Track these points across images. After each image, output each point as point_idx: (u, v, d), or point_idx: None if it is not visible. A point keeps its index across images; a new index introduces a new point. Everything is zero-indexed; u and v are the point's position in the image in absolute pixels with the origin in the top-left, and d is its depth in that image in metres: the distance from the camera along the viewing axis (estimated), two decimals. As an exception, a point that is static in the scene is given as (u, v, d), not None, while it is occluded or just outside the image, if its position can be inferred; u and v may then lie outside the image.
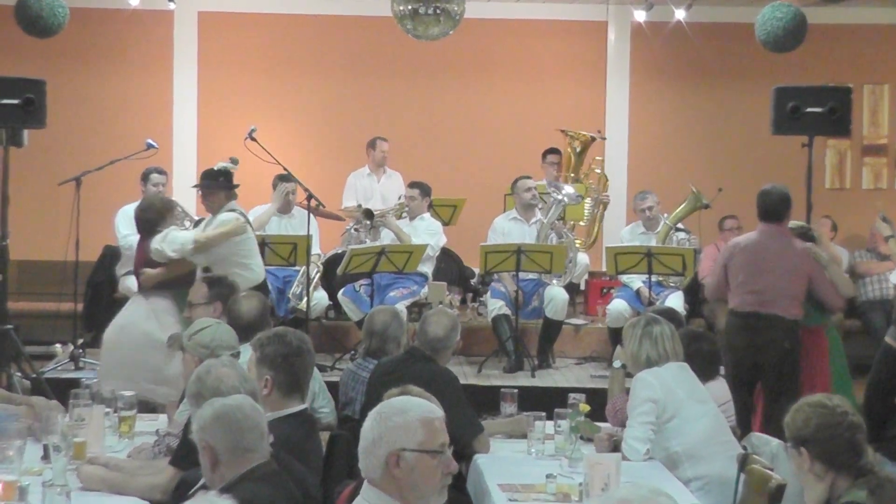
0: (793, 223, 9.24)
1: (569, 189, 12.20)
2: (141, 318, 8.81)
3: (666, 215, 11.98)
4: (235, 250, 9.22)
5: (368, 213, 12.16)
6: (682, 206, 12.06)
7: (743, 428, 7.87)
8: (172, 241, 8.93)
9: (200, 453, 4.52)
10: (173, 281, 8.96)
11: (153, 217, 9.14)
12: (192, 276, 9.01)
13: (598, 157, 13.51)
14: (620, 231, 12.70)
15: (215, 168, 9.62)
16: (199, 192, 9.76)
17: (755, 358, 8.72)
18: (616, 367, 7.30)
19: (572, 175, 13.29)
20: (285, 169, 11.30)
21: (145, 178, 11.58)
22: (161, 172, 11.77)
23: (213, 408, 4.54)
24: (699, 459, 6.44)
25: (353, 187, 13.32)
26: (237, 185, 9.60)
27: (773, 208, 9.01)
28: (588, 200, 13.07)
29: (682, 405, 6.54)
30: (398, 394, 4.87)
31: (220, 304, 7.50)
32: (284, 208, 11.93)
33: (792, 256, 8.92)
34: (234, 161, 9.71)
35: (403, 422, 3.94)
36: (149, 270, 8.99)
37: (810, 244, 9.04)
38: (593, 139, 13.44)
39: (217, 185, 9.50)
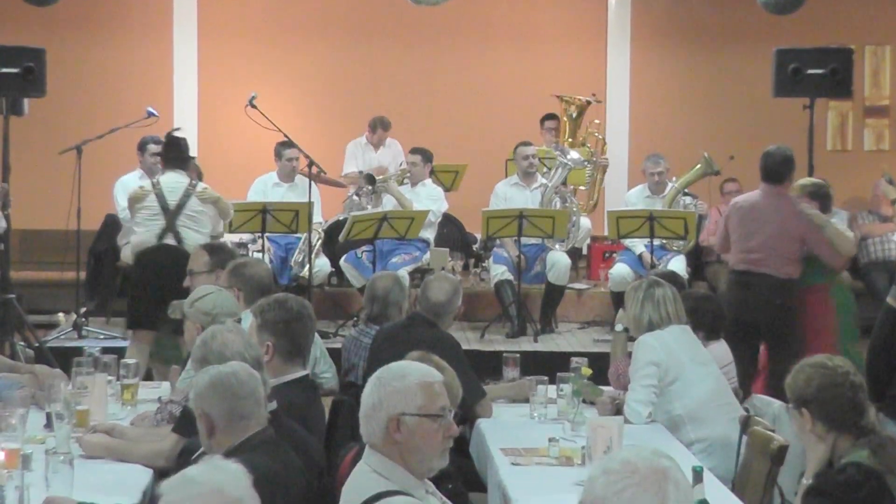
0: (805, 180, 9.36)
1: (574, 154, 12.19)
2: None
3: (675, 179, 11.94)
4: (134, 218, 9.67)
5: (370, 179, 12.14)
6: (692, 171, 11.97)
7: (745, 390, 7.88)
8: None
9: (197, 421, 4.53)
10: None
11: None
12: None
13: (596, 121, 13.47)
14: (623, 195, 12.66)
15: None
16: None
17: (751, 316, 8.83)
18: (618, 331, 7.33)
19: (570, 140, 13.26)
20: (286, 136, 11.28)
21: (142, 147, 11.51)
22: (158, 142, 11.72)
23: (208, 375, 4.54)
24: (701, 422, 6.45)
25: (353, 155, 13.30)
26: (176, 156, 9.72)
27: (773, 169, 9.13)
28: (588, 165, 13.04)
29: (684, 368, 6.55)
30: (417, 358, 4.88)
31: (221, 272, 7.50)
32: (287, 176, 11.93)
33: (785, 217, 9.02)
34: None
35: (403, 386, 3.95)
36: None
37: (804, 206, 9.09)
38: (588, 103, 13.40)
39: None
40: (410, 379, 3.97)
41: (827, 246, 9.01)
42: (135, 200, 9.49)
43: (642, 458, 2.93)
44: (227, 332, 5.18)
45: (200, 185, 9.60)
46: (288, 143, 11.66)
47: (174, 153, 9.63)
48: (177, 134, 9.81)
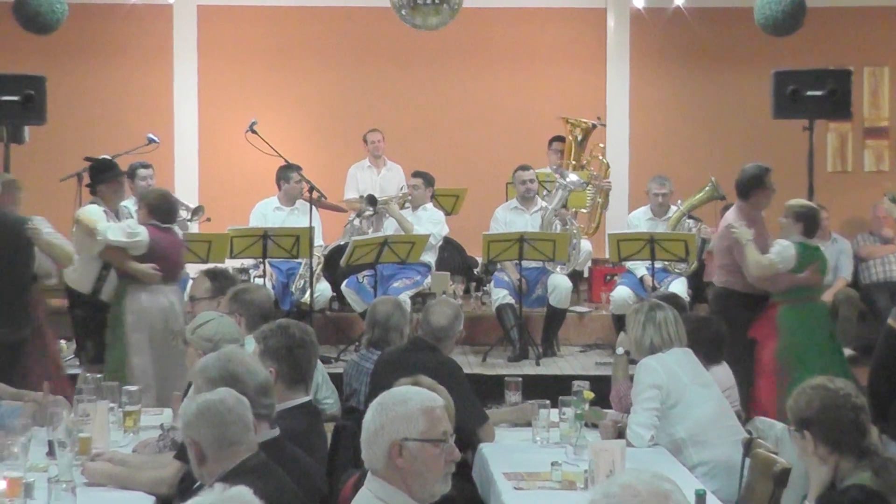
0: (795, 201, 9.56)
1: (573, 176, 12.20)
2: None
3: (679, 202, 11.94)
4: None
5: (372, 200, 12.13)
6: (699, 195, 11.94)
7: (747, 411, 7.89)
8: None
9: (188, 450, 4.53)
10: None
11: (169, 207, 9.34)
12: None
13: (600, 145, 13.48)
14: (623, 217, 12.65)
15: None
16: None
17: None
18: (619, 354, 7.32)
19: (574, 163, 13.27)
20: (287, 161, 11.29)
21: (132, 174, 11.51)
22: (146, 166, 11.75)
23: (195, 403, 4.54)
24: (703, 445, 6.44)
25: (354, 179, 13.31)
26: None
27: (738, 185, 9.80)
28: (590, 188, 13.04)
29: (686, 390, 6.54)
30: (410, 383, 4.87)
31: (222, 298, 7.50)
32: (290, 200, 11.95)
33: (723, 229, 9.63)
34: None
35: (405, 412, 3.94)
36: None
37: (736, 222, 9.43)
38: (594, 126, 13.41)
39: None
40: (412, 404, 3.96)
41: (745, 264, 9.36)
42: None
43: (643, 481, 2.94)
44: (245, 355, 5.18)
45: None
46: (292, 167, 11.71)
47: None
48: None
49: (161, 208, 9.32)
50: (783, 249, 9.27)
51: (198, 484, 4.58)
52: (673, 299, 7.92)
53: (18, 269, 8.93)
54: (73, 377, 8.77)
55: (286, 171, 11.88)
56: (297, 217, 11.79)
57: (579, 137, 13.43)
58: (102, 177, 9.48)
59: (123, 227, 9.16)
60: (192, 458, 4.50)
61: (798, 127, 11.15)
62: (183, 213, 10.47)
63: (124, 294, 9.11)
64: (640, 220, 11.98)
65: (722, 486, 6.23)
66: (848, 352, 10.68)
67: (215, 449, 4.46)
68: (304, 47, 14.69)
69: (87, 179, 11.08)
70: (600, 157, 13.42)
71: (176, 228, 9.72)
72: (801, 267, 9.26)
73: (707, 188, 11.95)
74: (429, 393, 4.10)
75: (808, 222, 9.38)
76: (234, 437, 4.48)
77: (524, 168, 12.08)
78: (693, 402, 6.52)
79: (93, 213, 9.22)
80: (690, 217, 11.92)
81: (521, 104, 14.66)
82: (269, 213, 11.96)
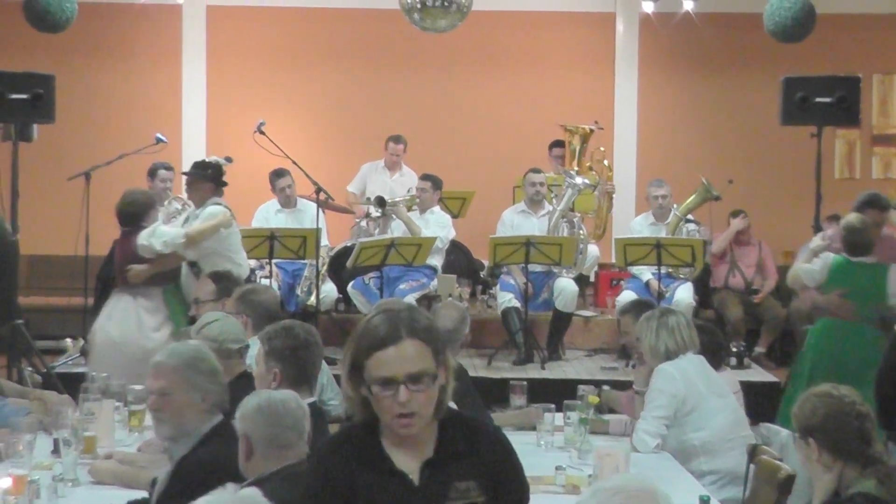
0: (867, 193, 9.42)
1: (581, 178, 12.21)
2: (133, 331, 8.86)
3: (676, 206, 11.95)
4: (223, 244, 9.22)
5: (381, 201, 12.12)
6: (692, 198, 12.01)
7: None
8: (161, 235, 8.94)
9: (239, 441, 4.53)
10: (160, 276, 9.03)
11: (137, 211, 9.16)
12: (179, 270, 9.06)
13: (601, 148, 13.48)
14: (630, 221, 12.65)
15: (206, 160, 9.57)
16: (186, 182, 9.62)
17: None
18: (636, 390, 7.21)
19: (576, 168, 13.26)
20: (294, 162, 11.31)
21: (152, 173, 11.58)
22: (169, 168, 11.76)
23: (258, 398, 4.56)
24: (715, 454, 6.45)
25: (364, 176, 13.28)
26: (226, 184, 9.50)
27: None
28: (596, 191, 13.04)
29: (703, 399, 6.54)
30: None
31: (227, 300, 7.50)
32: (287, 203, 11.97)
33: None
34: (229, 159, 9.63)
35: None
36: (136, 267, 9.01)
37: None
38: (591, 131, 13.41)
39: (205, 176, 9.40)
40: None
41: None
42: (225, 225, 9.24)
43: (631, 479, 3.00)
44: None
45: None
46: (280, 173, 11.82)
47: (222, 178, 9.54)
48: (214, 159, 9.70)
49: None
50: (818, 263, 9.10)
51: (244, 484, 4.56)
52: (647, 303, 7.93)
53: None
54: (80, 375, 8.77)
55: (272, 178, 11.93)
56: (299, 219, 11.80)
57: (578, 145, 13.41)
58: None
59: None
60: (240, 450, 4.51)
61: (806, 133, 11.13)
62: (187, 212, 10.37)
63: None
64: (642, 226, 11.99)
65: (730, 496, 6.23)
66: None
67: (264, 447, 4.47)
68: (312, 49, 14.71)
69: (94, 178, 11.16)
70: (603, 161, 13.41)
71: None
72: (831, 284, 9.05)
73: (699, 189, 11.97)
74: None
75: (847, 237, 9.03)
76: (287, 440, 4.49)
77: (536, 171, 12.07)
78: (709, 411, 6.52)
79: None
80: (689, 221, 11.91)
81: (530, 108, 14.66)
82: (270, 216, 11.98)
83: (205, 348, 5.04)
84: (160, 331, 8.89)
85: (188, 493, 4.32)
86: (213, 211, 9.22)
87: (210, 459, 4.70)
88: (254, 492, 3.44)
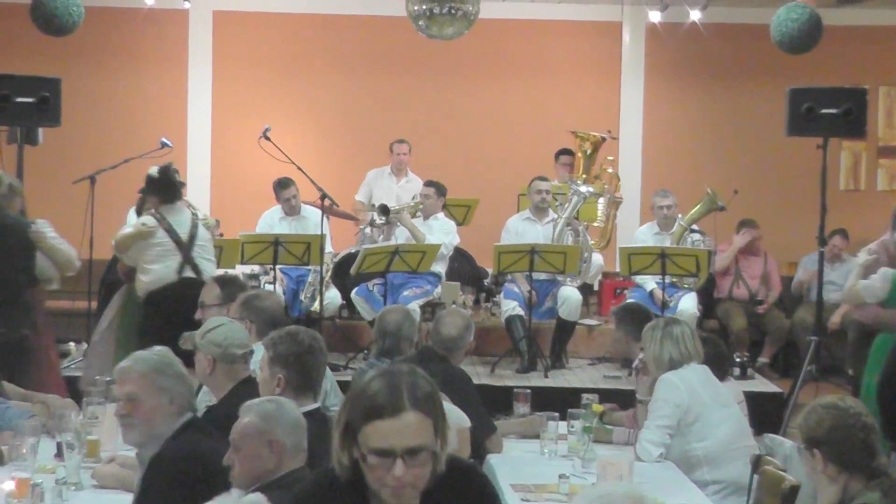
0: None
1: (587, 186, 12.22)
2: None
3: (681, 216, 11.94)
4: (141, 254, 9.33)
5: (385, 209, 12.12)
6: (697, 208, 11.99)
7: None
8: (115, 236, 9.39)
9: (266, 447, 4.54)
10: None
11: None
12: (133, 272, 9.42)
13: (609, 158, 13.48)
14: (635, 231, 12.64)
15: (148, 173, 9.65)
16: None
17: None
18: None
19: (584, 176, 13.27)
20: (299, 168, 11.31)
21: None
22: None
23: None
24: (718, 464, 6.44)
25: (370, 183, 13.30)
26: (175, 189, 9.47)
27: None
28: (601, 200, 13.05)
29: (706, 409, 6.53)
30: None
31: (232, 305, 7.49)
32: (290, 211, 11.98)
33: None
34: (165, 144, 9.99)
35: None
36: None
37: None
38: (603, 139, 13.41)
39: (146, 190, 9.57)
40: None
41: None
42: (140, 237, 9.36)
43: (618, 486, 3.03)
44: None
45: (200, 213, 9.72)
46: (284, 184, 11.85)
47: (172, 186, 9.56)
48: (165, 167, 9.69)
49: None
50: (877, 279, 8.79)
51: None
52: (637, 308, 7.96)
53: (18, 270, 8.94)
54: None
55: (277, 188, 11.97)
56: (303, 226, 11.80)
57: (589, 151, 13.42)
58: None
59: None
60: (266, 453, 4.53)
61: (811, 144, 11.13)
62: None
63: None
64: (646, 236, 11.98)
65: (733, 505, 6.23)
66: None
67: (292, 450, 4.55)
68: (318, 55, 14.72)
69: (99, 182, 11.18)
70: (609, 170, 13.42)
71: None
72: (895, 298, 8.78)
73: (704, 200, 11.95)
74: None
75: None
76: (302, 445, 4.58)
77: (542, 178, 12.06)
78: (713, 421, 6.51)
79: None
80: (694, 231, 11.90)
81: (535, 116, 14.66)
82: (274, 223, 11.98)
83: (170, 354, 5.05)
84: None
85: (164, 488, 4.34)
86: (136, 221, 9.55)
87: (182, 452, 4.75)
88: (259, 498, 3.43)
